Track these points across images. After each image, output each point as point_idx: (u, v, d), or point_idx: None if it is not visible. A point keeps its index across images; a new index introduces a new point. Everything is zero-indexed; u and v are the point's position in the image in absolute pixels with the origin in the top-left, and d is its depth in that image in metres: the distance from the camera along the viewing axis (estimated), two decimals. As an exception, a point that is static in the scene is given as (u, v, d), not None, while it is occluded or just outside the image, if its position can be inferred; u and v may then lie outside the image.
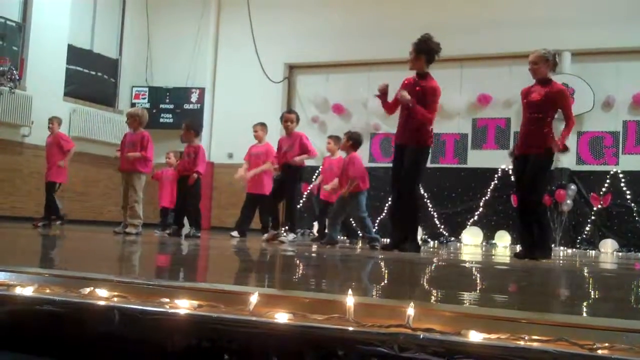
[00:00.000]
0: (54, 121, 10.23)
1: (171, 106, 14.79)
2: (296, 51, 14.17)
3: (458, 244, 12.05)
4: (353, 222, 9.59)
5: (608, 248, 11.58)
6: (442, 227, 12.92)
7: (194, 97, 14.81)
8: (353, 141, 7.86)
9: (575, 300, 2.64)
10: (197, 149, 8.44)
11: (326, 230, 8.35)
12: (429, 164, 6.45)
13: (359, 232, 8.85)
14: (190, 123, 8.70)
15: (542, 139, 6.04)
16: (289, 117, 8.24)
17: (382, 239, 7.92)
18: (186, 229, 8.54)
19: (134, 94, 14.87)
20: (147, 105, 14.04)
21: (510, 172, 12.32)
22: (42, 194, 10.22)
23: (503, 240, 12.05)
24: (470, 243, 12.24)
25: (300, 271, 3.65)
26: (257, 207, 9.30)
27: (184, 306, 1.57)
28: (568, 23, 12.07)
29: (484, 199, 12.70)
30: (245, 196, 9.47)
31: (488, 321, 1.42)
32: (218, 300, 1.61)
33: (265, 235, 8.13)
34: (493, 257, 6.79)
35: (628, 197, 11.93)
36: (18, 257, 3.58)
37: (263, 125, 9.41)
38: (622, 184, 11.99)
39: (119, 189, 8.78)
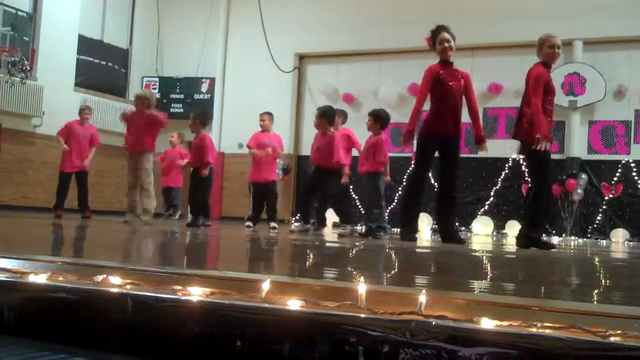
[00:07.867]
0: (90, 111, 10.13)
1: (181, 96, 14.83)
2: (306, 41, 14.15)
3: (469, 234, 12.02)
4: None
5: (619, 237, 11.54)
6: (453, 216, 12.88)
7: (204, 87, 14.83)
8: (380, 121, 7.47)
9: (587, 288, 2.64)
10: (203, 139, 8.45)
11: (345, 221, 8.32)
12: (437, 153, 6.30)
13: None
14: (196, 114, 8.69)
15: None
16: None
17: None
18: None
19: (144, 84, 14.91)
20: (158, 96, 14.04)
21: (522, 161, 12.31)
22: (53, 184, 10.03)
23: (514, 230, 11.98)
24: (481, 233, 12.22)
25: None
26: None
27: (196, 293, 1.58)
28: (580, 12, 11.98)
29: (494, 188, 12.68)
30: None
31: (500, 308, 1.42)
32: (230, 287, 1.62)
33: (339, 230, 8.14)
34: (504, 246, 6.76)
35: (639, 186, 11.89)
36: (32, 245, 3.61)
37: (270, 114, 9.24)
38: (634, 174, 11.92)
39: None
